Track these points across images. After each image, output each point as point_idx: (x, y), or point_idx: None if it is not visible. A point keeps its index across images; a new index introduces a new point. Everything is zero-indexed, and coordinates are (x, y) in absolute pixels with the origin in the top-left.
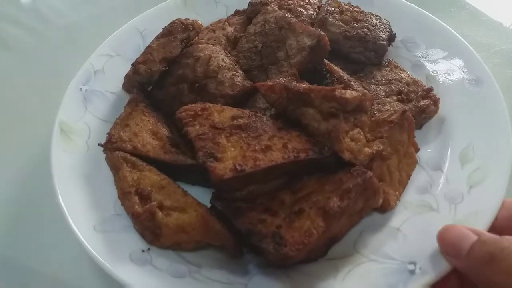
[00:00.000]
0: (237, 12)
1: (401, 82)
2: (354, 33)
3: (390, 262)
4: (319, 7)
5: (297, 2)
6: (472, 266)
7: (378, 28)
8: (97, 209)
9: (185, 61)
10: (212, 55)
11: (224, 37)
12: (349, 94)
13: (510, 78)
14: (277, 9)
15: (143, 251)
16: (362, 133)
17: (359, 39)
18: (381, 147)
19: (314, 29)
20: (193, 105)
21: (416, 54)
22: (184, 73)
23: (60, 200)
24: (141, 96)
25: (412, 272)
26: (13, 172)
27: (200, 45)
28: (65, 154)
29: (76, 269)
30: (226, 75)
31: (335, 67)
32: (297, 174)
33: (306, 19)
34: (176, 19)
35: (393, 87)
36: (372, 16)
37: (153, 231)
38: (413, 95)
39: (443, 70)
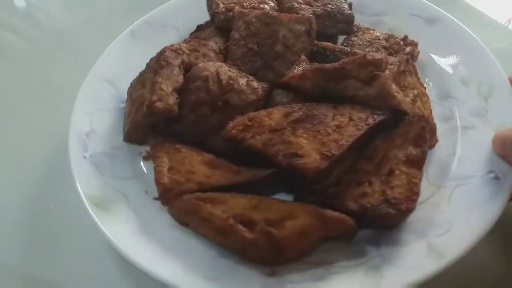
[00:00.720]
0: (201, 27)
1: (379, 40)
2: (322, 11)
3: (474, 179)
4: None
5: (256, 0)
6: None
7: (337, 1)
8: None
9: (193, 85)
10: (218, 70)
11: (212, 51)
12: (377, 56)
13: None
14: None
15: (269, 275)
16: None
17: (328, 15)
18: (412, 94)
19: (299, 15)
20: (237, 119)
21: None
22: (198, 97)
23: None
24: (160, 137)
25: (497, 178)
26: (12, 179)
27: (200, 65)
28: (116, 225)
29: None
30: (242, 84)
31: (329, 44)
32: (364, 142)
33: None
34: (165, 48)
35: (376, 46)
36: None
37: (274, 249)
38: (396, 46)
39: (403, 24)
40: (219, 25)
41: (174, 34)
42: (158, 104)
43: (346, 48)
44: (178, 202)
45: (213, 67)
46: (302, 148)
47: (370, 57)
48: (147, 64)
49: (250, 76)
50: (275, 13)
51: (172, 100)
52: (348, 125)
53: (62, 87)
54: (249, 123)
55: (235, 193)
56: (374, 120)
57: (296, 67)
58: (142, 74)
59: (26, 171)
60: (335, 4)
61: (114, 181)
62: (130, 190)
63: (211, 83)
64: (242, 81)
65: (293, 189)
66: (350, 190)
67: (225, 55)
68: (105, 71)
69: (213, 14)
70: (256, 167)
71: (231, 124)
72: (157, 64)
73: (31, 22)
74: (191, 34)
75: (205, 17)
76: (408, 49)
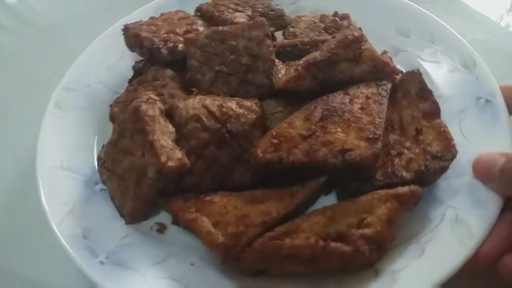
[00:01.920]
0: (140, 69)
1: (316, 23)
2: (255, 13)
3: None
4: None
5: (185, 23)
6: (505, 184)
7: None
8: None
9: (187, 129)
10: (204, 103)
11: (176, 89)
12: (355, 32)
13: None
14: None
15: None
16: None
17: (262, 16)
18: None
19: (251, 21)
20: (261, 143)
21: None
22: (199, 139)
23: None
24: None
25: None
26: None
27: (180, 106)
28: None
29: None
30: (236, 108)
31: (285, 41)
32: None
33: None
34: (137, 102)
35: (317, 30)
36: None
37: (375, 249)
38: (333, 24)
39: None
40: (165, 59)
41: (102, 89)
42: (170, 163)
43: (304, 39)
44: (250, 253)
45: (197, 103)
46: (345, 142)
47: (350, 36)
48: (118, 129)
49: (236, 98)
50: (225, 28)
51: (179, 153)
52: (369, 104)
53: (48, 84)
54: (276, 141)
55: (300, 216)
56: (386, 90)
57: (281, 71)
58: (114, 142)
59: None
60: (262, 3)
61: (153, 273)
62: (176, 269)
63: (205, 120)
64: (233, 105)
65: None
66: (395, 163)
67: (192, 87)
68: (51, 159)
69: (152, 51)
70: (291, 183)
71: (258, 151)
72: (137, 123)
73: (19, 18)
74: (131, 80)
75: (123, 61)
76: (345, 22)
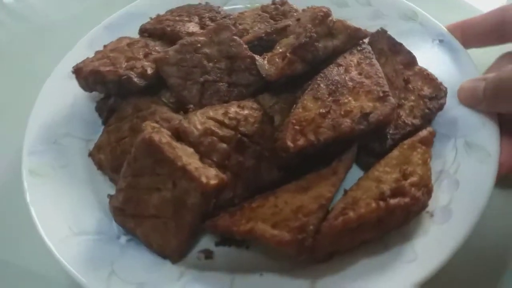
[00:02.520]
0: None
1: (260, 15)
2: (206, 19)
3: None
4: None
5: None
6: (493, 102)
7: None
8: None
9: (203, 146)
10: (209, 115)
11: (167, 112)
12: (320, 7)
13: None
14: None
15: None
16: None
17: (211, 19)
18: None
19: (211, 26)
20: (284, 134)
21: None
22: (219, 151)
23: None
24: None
25: None
26: None
27: (185, 125)
28: None
29: None
30: (239, 111)
31: (249, 36)
32: None
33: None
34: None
35: (264, 21)
36: None
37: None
38: (277, 12)
39: None
40: (138, 87)
41: (72, 141)
42: (212, 182)
43: (268, 30)
44: (322, 239)
45: (202, 117)
46: (362, 107)
47: (321, 13)
48: (131, 170)
49: (233, 102)
50: (191, 38)
51: (213, 170)
52: (363, 68)
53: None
54: (299, 127)
55: (350, 188)
56: (369, 51)
57: (265, 64)
58: (132, 185)
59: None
60: (203, 9)
61: None
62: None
63: (218, 131)
64: (236, 109)
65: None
66: (401, 114)
67: (182, 106)
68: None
69: (122, 82)
70: (319, 163)
71: (288, 142)
72: (156, 154)
73: (15, 16)
74: (106, 121)
75: (78, 106)
76: (287, 7)
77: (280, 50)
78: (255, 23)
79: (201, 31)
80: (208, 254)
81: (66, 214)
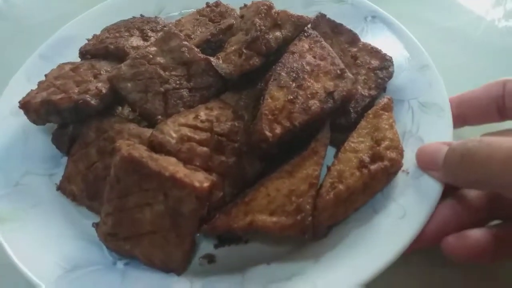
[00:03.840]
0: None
1: (198, 19)
2: (148, 31)
3: None
4: None
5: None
6: (450, 172)
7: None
8: None
9: (186, 153)
10: (182, 122)
11: (135, 127)
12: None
13: (453, 53)
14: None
15: None
16: None
17: (152, 30)
18: None
19: (160, 35)
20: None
21: None
22: (200, 156)
23: None
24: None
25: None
26: None
27: (164, 136)
28: None
29: None
30: (210, 113)
31: (196, 40)
32: None
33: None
34: (128, 156)
35: (205, 25)
36: None
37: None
38: (215, 13)
39: None
40: (98, 109)
41: (35, 179)
42: (204, 184)
43: (213, 31)
44: (321, 214)
45: (174, 125)
46: (325, 87)
47: (264, 6)
48: (116, 192)
49: (200, 105)
50: (140, 52)
51: (199, 174)
52: (316, 51)
53: None
54: (273, 117)
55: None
56: (316, 35)
57: (222, 63)
58: (119, 208)
59: None
60: (141, 22)
61: None
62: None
63: (195, 136)
64: (205, 111)
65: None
66: (357, 88)
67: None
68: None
69: (79, 107)
70: (296, 147)
71: (267, 132)
72: (140, 170)
73: (4, 17)
74: (69, 150)
75: (32, 141)
76: (222, 8)
77: (233, 48)
78: (196, 27)
79: (146, 43)
80: (210, 258)
81: (52, 253)
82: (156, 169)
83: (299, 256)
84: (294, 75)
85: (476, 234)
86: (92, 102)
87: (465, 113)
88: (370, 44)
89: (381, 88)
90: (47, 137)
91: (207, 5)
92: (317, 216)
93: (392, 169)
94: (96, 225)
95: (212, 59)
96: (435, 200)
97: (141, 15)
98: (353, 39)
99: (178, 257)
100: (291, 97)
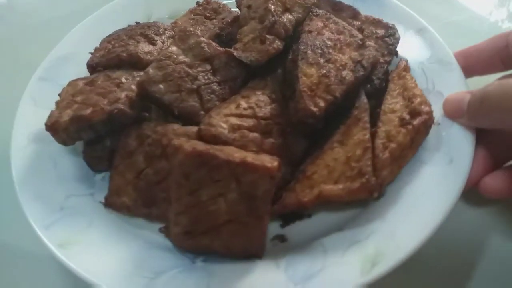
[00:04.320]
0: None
1: (194, 18)
2: (152, 35)
3: None
4: None
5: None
6: (474, 116)
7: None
8: None
9: (239, 141)
10: (226, 113)
11: (179, 127)
12: None
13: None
14: None
15: None
16: None
17: (157, 34)
18: None
19: (177, 34)
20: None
21: None
22: (254, 141)
23: None
24: None
25: None
26: None
27: (216, 128)
28: None
29: None
30: (255, 98)
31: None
32: None
33: None
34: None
35: (203, 22)
36: None
37: None
38: (206, 10)
39: None
40: (132, 117)
41: (81, 200)
42: (275, 163)
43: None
44: (381, 172)
45: (219, 117)
46: (352, 58)
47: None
48: (187, 190)
49: (240, 94)
50: (163, 53)
51: (265, 155)
52: (331, 27)
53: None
54: (312, 93)
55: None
56: (325, 13)
57: (244, 52)
58: (193, 204)
59: None
60: (144, 28)
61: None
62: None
63: (243, 123)
64: (243, 99)
65: None
66: None
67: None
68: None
69: (114, 117)
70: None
71: (311, 108)
72: (208, 163)
73: (14, 13)
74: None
75: (62, 165)
76: (214, 4)
77: (251, 36)
78: (195, 26)
79: (156, 47)
80: (283, 238)
81: (128, 266)
82: (225, 158)
83: (366, 219)
84: (319, 51)
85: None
86: (127, 110)
87: (471, 65)
88: (371, 16)
89: (393, 53)
90: (74, 158)
91: (198, 4)
92: (378, 176)
93: (429, 122)
94: (165, 230)
95: (235, 50)
96: (472, 144)
97: (136, 22)
98: (354, 13)
99: (258, 239)
100: (324, 72)
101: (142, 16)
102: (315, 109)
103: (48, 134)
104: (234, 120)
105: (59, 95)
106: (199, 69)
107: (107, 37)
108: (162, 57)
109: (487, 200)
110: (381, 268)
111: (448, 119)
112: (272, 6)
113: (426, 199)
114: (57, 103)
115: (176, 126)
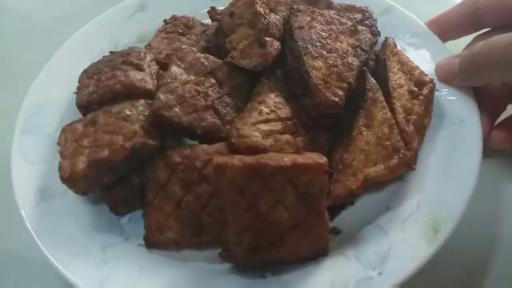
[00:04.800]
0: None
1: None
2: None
3: None
4: None
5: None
6: (467, 77)
7: None
8: None
9: (274, 149)
10: (252, 122)
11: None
12: None
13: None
14: None
15: None
16: None
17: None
18: None
19: (172, 60)
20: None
21: None
22: (288, 143)
23: None
24: None
25: None
26: None
27: (249, 139)
28: None
29: None
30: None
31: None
32: None
33: None
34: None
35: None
36: None
37: None
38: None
39: None
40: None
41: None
42: (324, 159)
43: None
44: (411, 143)
45: (246, 127)
46: (350, 44)
47: None
48: (245, 206)
49: (249, 103)
50: (168, 75)
51: (309, 153)
52: (319, 19)
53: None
54: (326, 84)
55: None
56: (308, 7)
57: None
58: (254, 218)
59: None
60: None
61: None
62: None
63: (272, 128)
64: (261, 105)
65: None
66: None
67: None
68: None
69: (139, 149)
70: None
71: (332, 98)
72: (261, 174)
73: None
74: (142, 203)
75: None
76: (183, 19)
77: (246, 43)
78: (171, 45)
79: (145, 75)
80: (336, 231)
81: None
82: (276, 165)
83: (406, 193)
84: (319, 44)
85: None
86: (150, 141)
87: (444, 32)
88: (344, 3)
89: (377, 34)
90: (91, 207)
91: (166, 22)
92: (412, 148)
93: (434, 89)
94: (225, 255)
95: (231, 60)
96: (473, 100)
97: (110, 52)
98: (328, 3)
99: (323, 237)
100: (331, 62)
101: (109, 45)
102: (336, 99)
103: (55, 188)
104: (264, 127)
105: (58, 144)
106: (206, 84)
107: (83, 73)
108: (168, 80)
109: None
110: (444, 232)
111: (443, 84)
112: (261, 9)
113: (455, 160)
114: (61, 152)
115: (205, 146)
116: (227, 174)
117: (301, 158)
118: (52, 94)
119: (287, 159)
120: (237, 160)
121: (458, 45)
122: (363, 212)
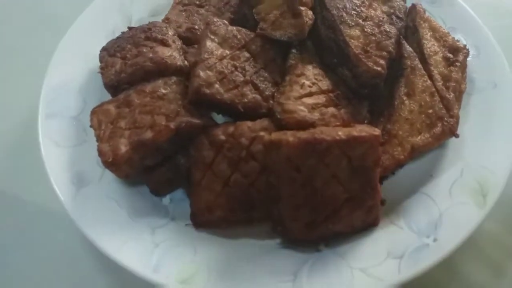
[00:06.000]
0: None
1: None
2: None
3: None
4: None
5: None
6: None
7: None
8: None
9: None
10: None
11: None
12: None
13: (498, 27)
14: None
15: None
16: None
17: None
18: None
19: (204, 34)
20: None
21: None
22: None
23: None
24: None
25: None
26: None
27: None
28: None
29: None
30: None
31: None
32: None
33: None
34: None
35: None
36: None
37: None
38: None
39: None
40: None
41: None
42: (377, 130)
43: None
44: (452, 109)
45: (291, 102)
46: (384, 12)
47: None
48: (301, 183)
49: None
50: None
51: (358, 124)
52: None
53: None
54: (366, 54)
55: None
56: None
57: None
58: (310, 195)
59: None
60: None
61: None
62: None
63: (317, 101)
64: (300, 77)
65: None
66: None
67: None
68: None
69: (185, 128)
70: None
71: (375, 68)
72: (316, 150)
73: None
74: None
75: None
76: None
77: (276, 13)
78: (190, 17)
79: (173, 51)
80: (382, 201)
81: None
82: (332, 139)
83: (447, 160)
84: (354, 12)
85: None
86: (196, 120)
87: None
88: None
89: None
90: (130, 190)
91: None
92: (453, 115)
93: (468, 55)
94: (281, 230)
95: (263, 32)
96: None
97: (128, 27)
98: None
99: (375, 208)
100: (368, 30)
101: (122, 20)
102: (378, 68)
103: (92, 173)
104: (308, 100)
105: (91, 126)
106: (242, 59)
107: (103, 51)
108: (204, 57)
109: None
110: (493, 195)
111: (472, 49)
112: None
113: (493, 125)
114: (98, 136)
115: (250, 123)
116: (282, 151)
117: (355, 131)
118: (71, 74)
119: (341, 132)
120: (291, 136)
121: None
122: (405, 181)
